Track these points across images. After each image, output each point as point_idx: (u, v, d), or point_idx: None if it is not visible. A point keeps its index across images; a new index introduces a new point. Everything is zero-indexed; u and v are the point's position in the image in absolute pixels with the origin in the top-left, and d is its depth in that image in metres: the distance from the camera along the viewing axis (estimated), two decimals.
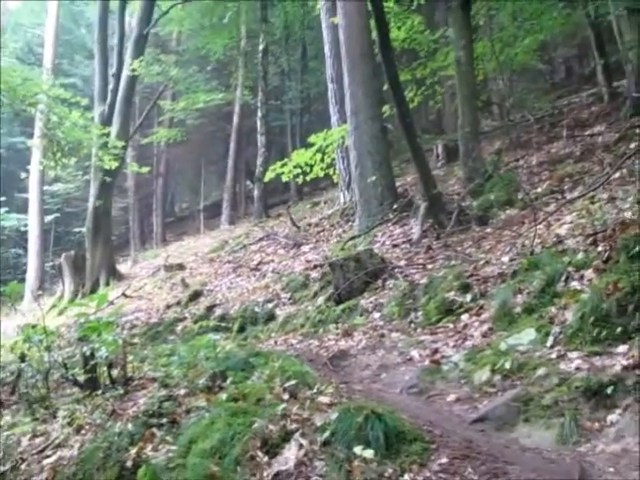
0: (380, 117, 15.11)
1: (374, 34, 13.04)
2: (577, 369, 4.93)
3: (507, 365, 5.37)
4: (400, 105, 11.64)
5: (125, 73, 23.06)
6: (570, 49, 23.35)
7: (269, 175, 18.52)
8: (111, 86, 23.37)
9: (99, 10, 25.19)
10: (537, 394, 4.75)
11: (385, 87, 13.61)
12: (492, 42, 16.88)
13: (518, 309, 6.54)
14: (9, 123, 38.25)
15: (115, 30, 24.88)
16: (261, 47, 28.93)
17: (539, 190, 11.37)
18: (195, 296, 15.31)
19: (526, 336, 5.84)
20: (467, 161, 12.82)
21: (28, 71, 21.94)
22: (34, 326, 7.35)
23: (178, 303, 15.33)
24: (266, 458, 3.83)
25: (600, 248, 6.61)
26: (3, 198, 33.33)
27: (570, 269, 6.51)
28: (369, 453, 3.58)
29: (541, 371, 5.04)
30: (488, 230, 10.43)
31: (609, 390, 4.52)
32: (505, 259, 8.45)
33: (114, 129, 22.09)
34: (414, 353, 6.68)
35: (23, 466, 5.37)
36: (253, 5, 30.08)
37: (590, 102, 17.84)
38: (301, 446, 3.80)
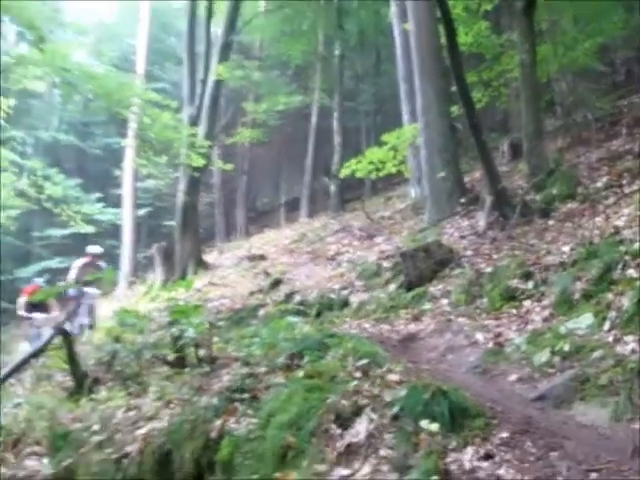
0: (449, 115, 15.07)
1: (443, 38, 12.98)
2: (632, 351, 4.89)
3: (566, 347, 5.34)
4: (467, 105, 11.58)
5: (211, 78, 23.26)
6: (630, 51, 22.88)
7: (345, 172, 18.58)
8: (199, 90, 23.59)
9: (187, 21, 25.51)
10: (593, 374, 4.72)
11: (453, 88, 13.56)
12: (555, 45, 16.67)
13: (577, 295, 6.49)
14: (105, 125, 38.88)
15: (202, 38, 25.11)
16: (337, 52, 28.94)
17: (598, 185, 11.23)
18: (276, 284, 15.38)
19: (584, 320, 5.80)
20: (531, 158, 12.70)
21: (123, 77, 22.17)
22: (128, 310, 7.47)
23: (260, 290, 15.41)
24: (339, 430, 3.86)
25: None
26: (100, 194, 33.90)
27: (627, 258, 6.45)
28: (435, 427, 3.59)
29: (597, 353, 5.01)
30: (550, 222, 10.34)
31: None
32: (565, 249, 8.37)
33: (201, 130, 22.29)
34: (479, 336, 6.67)
35: (118, 436, 5.48)
36: (330, 13, 30.09)
37: None
38: (371, 420, 3.82)
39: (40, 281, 14.84)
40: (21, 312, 13.79)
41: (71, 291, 13.13)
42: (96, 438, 5.66)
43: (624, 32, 17.83)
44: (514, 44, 15.15)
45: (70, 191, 30.12)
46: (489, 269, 8.96)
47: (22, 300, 13.86)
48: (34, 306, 13.38)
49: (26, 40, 26.64)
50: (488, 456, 3.39)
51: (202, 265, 23.10)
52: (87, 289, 13.19)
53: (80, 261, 14.01)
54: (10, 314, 32.70)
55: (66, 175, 32.27)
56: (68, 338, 7.84)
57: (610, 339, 5.25)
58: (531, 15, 12.72)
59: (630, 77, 24.06)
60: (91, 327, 13.03)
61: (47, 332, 11.27)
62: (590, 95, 19.52)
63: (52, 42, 17.44)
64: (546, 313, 6.72)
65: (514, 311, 7.31)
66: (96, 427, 5.87)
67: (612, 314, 5.64)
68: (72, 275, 13.54)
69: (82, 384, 7.62)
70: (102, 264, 14.10)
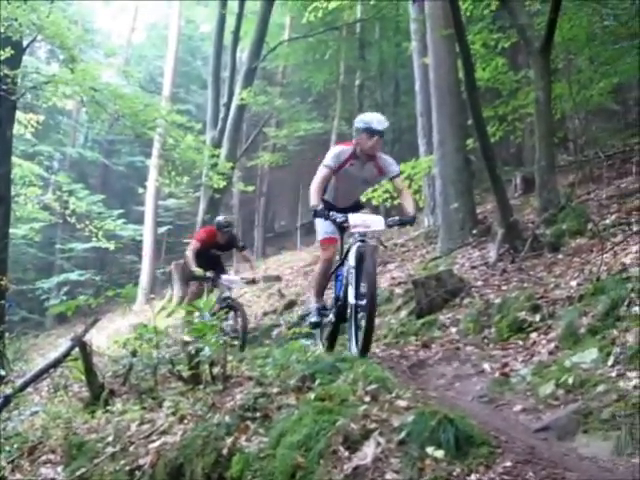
0: (464, 149, 15.09)
1: (461, 73, 13.04)
2: (635, 387, 4.88)
3: (570, 380, 5.34)
4: (483, 139, 11.61)
5: (235, 102, 23.43)
6: None
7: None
8: (222, 114, 23.76)
9: (214, 46, 25.76)
10: (596, 408, 4.71)
11: (469, 122, 13.60)
12: (570, 84, 16.70)
13: (583, 330, 6.47)
14: (130, 144, 39.26)
15: (227, 64, 25.29)
16: (358, 82, 29.13)
17: (607, 222, 11.21)
18: (290, 305, 15.45)
19: (589, 355, 5.79)
20: (542, 192, 12.68)
21: (149, 98, 22.35)
22: (145, 325, 7.51)
23: (274, 311, 15.48)
24: (347, 453, 3.87)
25: None
26: (122, 210, 34.08)
27: (633, 295, 6.43)
28: (440, 453, 3.60)
29: (601, 387, 5.00)
30: (559, 257, 10.32)
31: None
32: (573, 283, 8.37)
33: (223, 152, 22.43)
34: (486, 366, 6.67)
35: (131, 448, 5.51)
36: (352, 44, 30.32)
37: None
38: (379, 444, 3.83)
39: (222, 219, 12.68)
40: (193, 266, 11.80)
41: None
42: (110, 449, 5.69)
43: (638, 73, 17.87)
44: (530, 81, 15.19)
45: (93, 206, 30.32)
46: (498, 300, 8.95)
47: (194, 248, 11.99)
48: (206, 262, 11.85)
49: (57, 59, 26.94)
50: None
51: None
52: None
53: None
54: (31, 324, 32.93)
55: (90, 191, 32.58)
56: (85, 349, 7.88)
57: (614, 374, 5.25)
58: (547, 54, 12.73)
59: None
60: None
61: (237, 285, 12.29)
62: (602, 133, 19.55)
63: (83, 62, 17.61)
64: (552, 346, 6.71)
65: (521, 342, 7.29)
66: (110, 438, 5.90)
67: (616, 350, 5.63)
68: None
69: (98, 396, 7.65)
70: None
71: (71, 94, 17.77)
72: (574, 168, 17.74)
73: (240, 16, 25.02)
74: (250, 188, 27.75)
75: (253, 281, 12.68)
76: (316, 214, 7.19)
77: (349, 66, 30.82)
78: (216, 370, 6.23)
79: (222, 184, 20.73)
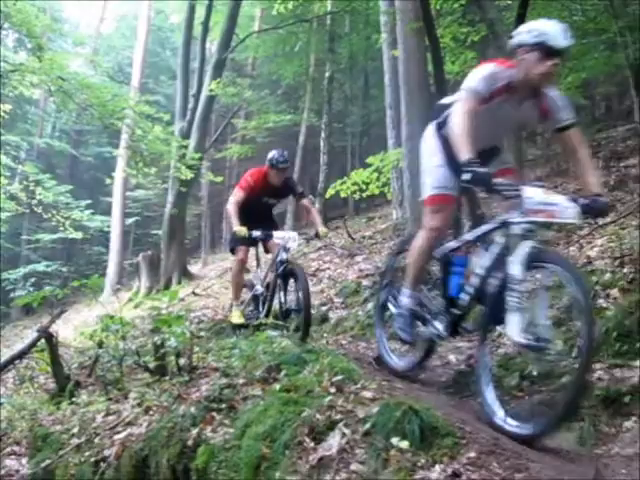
0: None
1: (430, 66, 13.06)
2: (599, 379, 4.94)
3: (535, 372, 5.38)
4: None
5: (204, 93, 23.40)
6: (610, 87, 23.08)
7: (330, 192, 18.63)
8: (191, 105, 23.74)
9: (183, 37, 25.68)
10: (560, 399, 4.76)
11: None
12: None
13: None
14: (98, 134, 39.04)
15: (197, 55, 25.22)
16: (327, 74, 29.04)
17: None
18: None
19: (554, 347, 5.84)
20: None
21: (117, 88, 22.24)
22: (112, 317, 7.47)
23: (242, 303, 15.43)
24: (312, 444, 3.86)
25: (626, 270, 6.60)
26: (90, 201, 33.87)
27: (598, 288, 6.50)
28: (405, 444, 3.60)
29: (565, 379, 5.05)
30: None
31: (626, 399, 4.54)
32: (539, 276, 8.43)
33: (192, 143, 22.39)
34: (451, 357, 6.71)
35: (96, 440, 5.49)
36: (322, 37, 30.26)
37: (626, 137, 17.63)
38: (344, 435, 3.83)
39: (278, 152, 9.63)
40: (235, 224, 9.03)
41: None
42: (75, 441, 5.67)
43: (605, 69, 17.99)
44: None
45: (61, 197, 30.13)
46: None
47: (237, 199, 9.45)
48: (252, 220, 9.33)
49: (25, 48, 26.71)
50: (455, 475, 3.39)
51: (186, 275, 23.18)
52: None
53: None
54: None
55: (58, 181, 32.33)
56: (52, 340, 7.83)
57: (577, 366, 5.30)
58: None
59: (609, 112, 24.27)
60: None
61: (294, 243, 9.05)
62: None
63: (51, 51, 17.50)
64: None
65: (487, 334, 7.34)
66: (76, 430, 5.87)
67: (581, 342, 5.69)
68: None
69: (64, 387, 7.61)
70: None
71: (38, 83, 17.67)
72: (542, 162, 17.88)
73: (210, 7, 25.00)
74: (219, 179, 27.65)
75: (317, 235, 9.59)
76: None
77: (319, 58, 30.75)
78: (182, 361, 6.20)
79: (190, 175, 20.68)
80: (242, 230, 8.96)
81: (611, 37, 16.35)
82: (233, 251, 9.88)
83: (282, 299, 8.99)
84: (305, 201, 10.17)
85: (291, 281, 8.89)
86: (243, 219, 9.13)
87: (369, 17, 26.42)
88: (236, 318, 9.77)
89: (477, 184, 4.91)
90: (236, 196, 9.48)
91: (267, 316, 9.05)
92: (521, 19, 12.14)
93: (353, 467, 3.58)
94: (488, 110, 5.18)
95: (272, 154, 9.53)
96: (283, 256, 8.92)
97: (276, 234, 9.22)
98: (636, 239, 7.59)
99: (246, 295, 10.28)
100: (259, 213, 9.63)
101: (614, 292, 6.29)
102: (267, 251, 9.73)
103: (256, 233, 9.07)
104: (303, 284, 8.42)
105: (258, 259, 9.99)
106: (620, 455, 4.09)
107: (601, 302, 6.22)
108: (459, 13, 17.68)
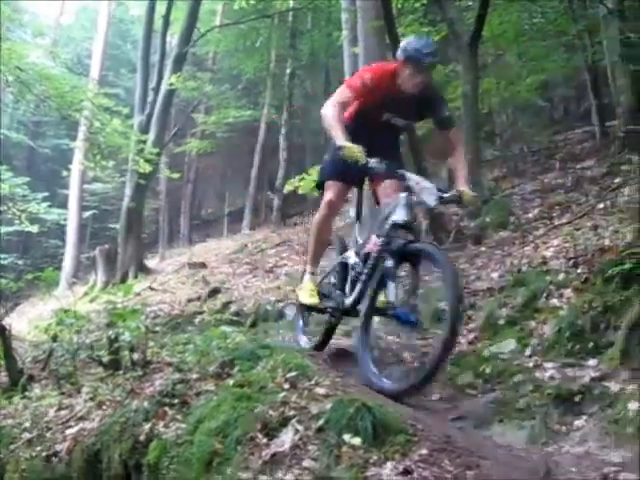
0: None
1: None
2: (551, 378, 4.98)
3: (488, 370, 5.44)
4: (409, 131, 11.70)
5: (164, 87, 23.27)
6: (569, 89, 23.34)
7: (288, 188, 18.61)
8: (150, 98, 23.60)
9: (144, 29, 25.52)
10: (513, 398, 4.81)
11: None
12: (497, 79, 16.96)
13: (502, 321, 6.58)
14: (56, 126, 38.66)
15: (157, 48, 25.09)
16: (288, 71, 29.11)
17: (530, 215, 11.45)
18: (214, 292, 15.35)
19: (507, 346, 5.90)
20: (468, 185, 12.83)
21: (76, 80, 22.00)
22: (67, 310, 7.41)
23: (198, 298, 15.37)
24: (265, 440, 3.87)
25: (580, 270, 6.66)
26: (46, 193, 33.52)
27: (552, 287, 6.56)
28: (357, 441, 3.61)
29: (518, 378, 5.10)
30: (482, 249, 10.48)
31: (577, 398, 4.58)
32: (494, 275, 8.52)
33: (151, 137, 22.26)
34: (405, 355, 6.73)
35: (48, 434, 5.46)
36: (283, 33, 30.28)
37: (583, 139, 17.85)
38: (297, 431, 3.84)
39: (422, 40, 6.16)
40: (339, 138, 5.41)
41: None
42: (27, 435, 5.63)
43: (564, 71, 18.19)
44: (458, 75, 15.33)
45: (17, 189, 29.74)
46: (420, 290, 9.03)
47: (342, 99, 5.89)
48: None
49: None
50: (407, 472, 3.41)
51: (143, 270, 23.05)
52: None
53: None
54: None
55: (15, 173, 31.92)
56: (4, 334, 7.76)
57: (531, 365, 5.34)
58: (475, 48, 12.88)
59: (567, 114, 24.56)
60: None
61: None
62: (528, 129, 19.85)
63: (9, 40, 17.30)
64: (471, 336, 6.80)
65: (440, 332, 7.38)
66: (27, 424, 5.84)
67: (534, 341, 5.75)
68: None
69: (17, 381, 7.55)
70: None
71: None
72: (500, 162, 18.05)
73: (171, 0, 24.85)
74: (177, 175, 27.50)
75: (460, 199, 6.15)
76: None
77: (280, 54, 30.76)
78: (136, 356, 6.17)
79: (148, 169, 20.52)
80: (353, 150, 5.35)
81: (570, 39, 16.56)
82: (321, 186, 6.65)
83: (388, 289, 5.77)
84: (452, 134, 6.24)
85: (407, 266, 5.93)
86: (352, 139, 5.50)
87: (331, 14, 26.42)
88: (306, 295, 6.52)
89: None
90: (340, 95, 5.89)
91: (356, 304, 6.19)
92: (481, 19, 12.29)
93: (305, 463, 3.58)
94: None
95: (409, 41, 5.93)
96: (402, 215, 5.55)
97: (408, 175, 5.67)
98: (590, 240, 7.68)
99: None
100: (376, 138, 5.86)
101: (567, 292, 6.34)
102: (377, 200, 6.31)
103: (375, 162, 5.44)
104: (450, 276, 5.26)
105: (359, 209, 6.87)
106: (570, 453, 4.13)
107: (555, 302, 6.29)
108: (420, 12, 17.77)
